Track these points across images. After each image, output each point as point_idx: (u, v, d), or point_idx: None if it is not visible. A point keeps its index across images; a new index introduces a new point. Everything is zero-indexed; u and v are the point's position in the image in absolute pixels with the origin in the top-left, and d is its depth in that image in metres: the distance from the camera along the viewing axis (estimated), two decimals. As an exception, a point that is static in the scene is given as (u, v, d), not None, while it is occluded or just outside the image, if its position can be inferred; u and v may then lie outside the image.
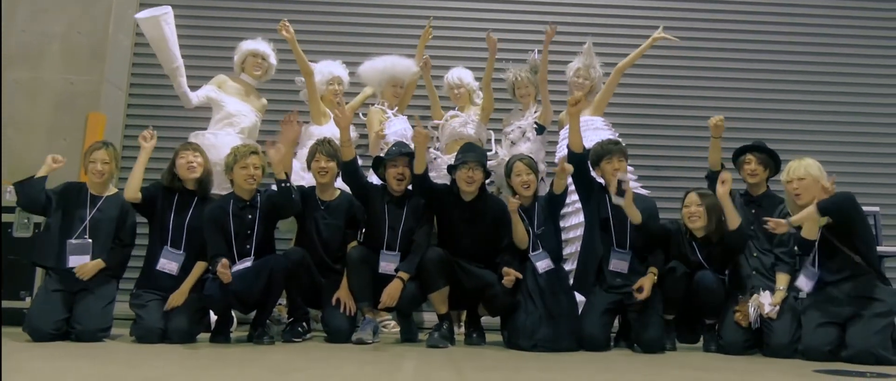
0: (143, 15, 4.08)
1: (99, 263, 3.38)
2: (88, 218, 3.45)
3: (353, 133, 4.36)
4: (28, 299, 3.92)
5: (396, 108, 4.47)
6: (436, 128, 4.47)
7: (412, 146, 3.66)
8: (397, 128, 4.34)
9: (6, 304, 3.93)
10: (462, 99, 4.49)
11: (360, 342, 3.41)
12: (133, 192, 3.44)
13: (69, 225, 3.43)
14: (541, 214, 3.59)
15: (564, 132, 4.29)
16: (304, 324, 3.60)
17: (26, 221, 4.02)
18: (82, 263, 3.35)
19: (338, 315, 3.52)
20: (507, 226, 3.52)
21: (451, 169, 3.64)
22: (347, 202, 3.77)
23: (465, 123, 4.36)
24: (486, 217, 3.60)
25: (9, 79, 4.75)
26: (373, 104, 4.52)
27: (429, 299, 3.55)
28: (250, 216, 3.48)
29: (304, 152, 4.15)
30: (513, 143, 4.34)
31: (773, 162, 3.74)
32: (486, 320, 3.74)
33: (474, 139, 4.32)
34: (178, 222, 3.51)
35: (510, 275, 3.38)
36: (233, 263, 3.33)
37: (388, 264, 3.56)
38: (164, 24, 4.03)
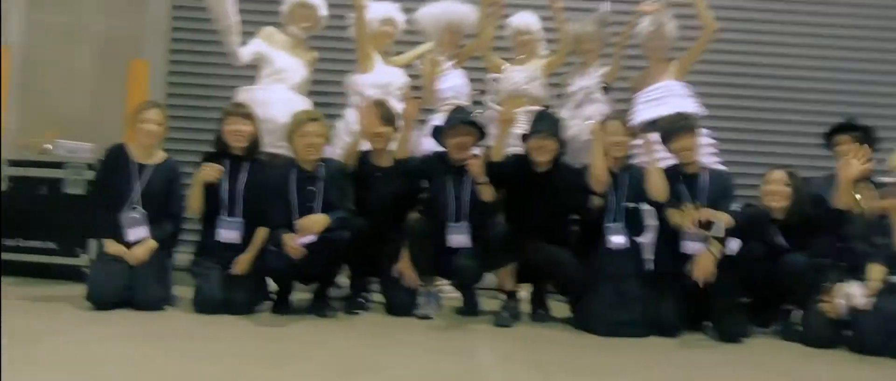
0: None
1: (150, 244, 3.26)
2: (140, 190, 3.29)
3: (402, 78, 4.13)
4: (83, 256, 3.89)
5: (455, 60, 4.21)
6: (495, 80, 4.22)
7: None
8: (455, 82, 4.11)
9: (62, 261, 3.91)
10: (527, 49, 4.20)
11: (425, 317, 3.33)
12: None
13: (118, 196, 3.27)
14: (629, 185, 3.38)
15: (639, 97, 4.03)
16: (365, 294, 3.53)
17: (78, 177, 3.93)
18: (139, 235, 3.25)
19: (400, 289, 3.43)
20: (582, 198, 3.35)
21: (524, 138, 3.45)
22: (405, 168, 3.60)
23: (531, 78, 4.09)
24: (560, 190, 3.42)
25: (45, 22, 4.56)
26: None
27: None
28: (313, 188, 3.33)
29: (351, 116, 3.95)
30: (578, 104, 4.09)
31: (870, 139, 3.48)
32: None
33: (539, 99, 4.08)
34: (233, 189, 3.38)
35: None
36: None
37: (456, 236, 3.43)
38: None
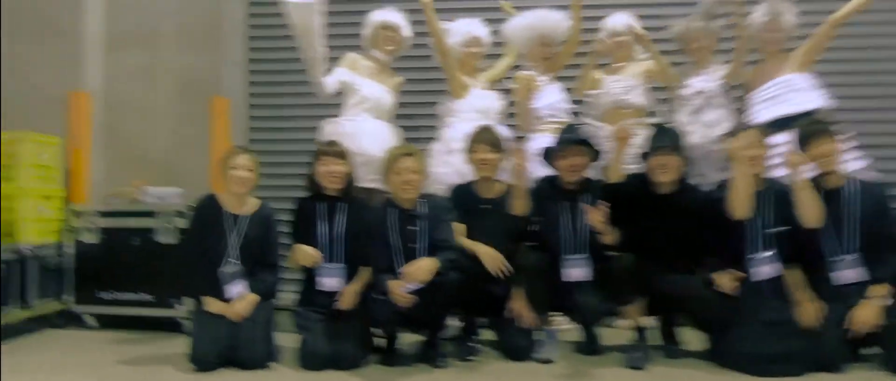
0: None
1: (251, 299, 3.07)
2: (236, 243, 3.10)
3: (498, 101, 3.84)
4: (179, 307, 3.76)
5: (548, 74, 3.89)
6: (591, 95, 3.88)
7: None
8: (551, 99, 3.79)
9: (158, 313, 3.79)
10: (623, 53, 3.84)
11: (547, 360, 3.03)
12: None
13: (213, 251, 3.09)
14: (772, 205, 2.98)
15: (755, 96, 3.61)
16: (475, 337, 3.26)
17: (169, 225, 3.80)
18: (238, 290, 3.07)
19: (515, 331, 3.14)
20: (713, 222, 2.98)
21: (644, 156, 3.11)
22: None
23: (628, 88, 3.74)
24: (687, 213, 3.06)
25: (123, 64, 4.48)
26: (520, 67, 3.96)
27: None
28: (414, 228, 3.08)
29: (449, 134, 3.70)
30: (696, 110, 3.69)
31: None
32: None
33: (642, 108, 3.73)
34: (331, 233, 3.16)
35: (729, 278, 2.86)
36: (395, 277, 2.98)
37: (574, 270, 3.12)
38: (315, 12, 3.51)
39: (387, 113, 3.82)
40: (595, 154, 3.18)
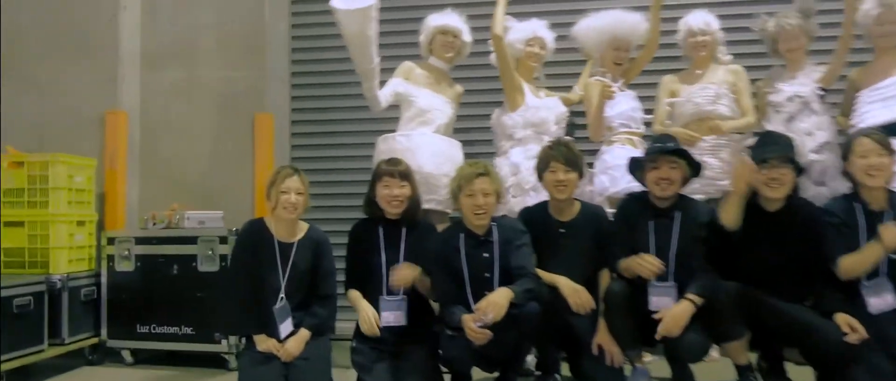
0: (344, 5, 3.16)
1: (303, 336, 2.74)
2: (286, 274, 2.80)
3: (559, 107, 3.50)
4: (224, 343, 3.45)
5: (621, 80, 3.54)
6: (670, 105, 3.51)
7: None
8: (625, 106, 3.43)
9: (201, 348, 3.49)
10: (704, 55, 3.46)
11: (639, 403, 2.66)
12: None
13: (262, 284, 2.78)
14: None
15: (866, 95, 3.21)
16: (556, 377, 2.89)
17: (211, 252, 3.50)
18: (289, 328, 2.75)
19: (601, 367, 2.76)
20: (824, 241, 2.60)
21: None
22: (594, 218, 2.94)
23: (714, 97, 3.35)
24: (797, 232, 2.67)
25: (159, 80, 4.24)
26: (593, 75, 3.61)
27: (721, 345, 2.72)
28: (487, 255, 2.73)
29: (509, 164, 3.35)
30: (790, 118, 3.29)
31: None
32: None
33: (727, 116, 3.35)
34: (391, 261, 2.83)
35: (855, 329, 2.47)
36: (467, 309, 2.63)
37: (661, 298, 2.72)
38: (371, 19, 3.19)
39: (446, 126, 3.49)
40: (693, 168, 2.80)
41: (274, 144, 4.16)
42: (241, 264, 2.82)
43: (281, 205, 2.80)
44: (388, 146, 3.37)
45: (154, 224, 3.67)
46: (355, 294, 2.82)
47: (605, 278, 2.91)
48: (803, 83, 3.30)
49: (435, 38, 3.53)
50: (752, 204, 2.71)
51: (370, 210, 2.90)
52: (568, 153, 2.86)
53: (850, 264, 2.56)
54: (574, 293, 2.71)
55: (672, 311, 2.57)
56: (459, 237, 2.76)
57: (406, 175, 2.86)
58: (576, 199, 2.95)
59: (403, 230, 2.86)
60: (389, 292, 2.81)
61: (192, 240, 3.52)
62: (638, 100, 3.51)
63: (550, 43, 3.57)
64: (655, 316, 2.59)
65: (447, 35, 3.50)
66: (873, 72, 3.24)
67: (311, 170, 4.13)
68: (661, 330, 2.56)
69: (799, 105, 3.28)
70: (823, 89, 3.29)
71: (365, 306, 2.74)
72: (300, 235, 2.87)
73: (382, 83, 3.41)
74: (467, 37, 3.55)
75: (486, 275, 2.72)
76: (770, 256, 2.65)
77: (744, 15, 3.76)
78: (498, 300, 2.50)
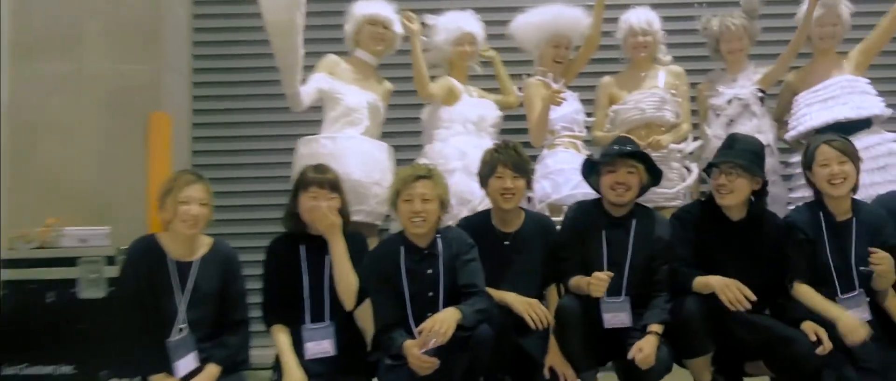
0: None
1: (211, 372, 2.33)
2: (185, 299, 2.37)
3: (494, 111, 3.26)
4: (113, 383, 2.92)
5: (562, 81, 3.30)
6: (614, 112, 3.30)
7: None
8: (566, 110, 3.18)
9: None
10: (644, 56, 3.27)
11: (595, 429, 2.40)
12: None
13: (156, 312, 2.35)
14: (862, 236, 2.48)
15: (804, 98, 3.14)
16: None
17: (95, 276, 2.97)
18: (192, 364, 2.31)
19: (557, 393, 2.49)
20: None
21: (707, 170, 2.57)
22: (541, 229, 2.67)
23: (659, 103, 3.18)
24: (762, 243, 2.53)
25: (37, 73, 3.63)
26: (530, 75, 3.36)
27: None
28: (431, 271, 2.40)
29: (439, 150, 3.07)
30: (730, 121, 3.19)
31: None
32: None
33: (672, 122, 3.20)
34: (316, 284, 2.46)
35: (821, 338, 2.33)
36: (409, 334, 2.30)
37: (615, 315, 2.50)
38: (300, 4, 2.81)
39: (376, 127, 3.14)
40: (653, 174, 2.60)
41: (172, 148, 3.64)
42: (132, 288, 2.36)
43: (179, 218, 2.37)
44: (310, 150, 2.99)
45: (25, 244, 3.08)
46: (281, 339, 2.42)
47: (553, 294, 2.68)
48: (743, 85, 3.22)
49: (362, 28, 3.17)
50: (716, 212, 2.53)
51: (292, 225, 2.51)
52: (516, 158, 2.58)
53: (804, 295, 2.45)
54: (528, 308, 2.42)
55: (643, 351, 2.33)
56: (400, 251, 2.41)
57: (336, 185, 2.50)
58: (520, 208, 2.68)
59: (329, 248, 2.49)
60: (314, 319, 2.43)
61: (71, 261, 2.96)
62: (579, 102, 3.29)
63: (480, 35, 3.28)
64: (631, 357, 2.34)
65: (376, 25, 3.16)
66: (812, 73, 3.20)
67: (216, 179, 3.68)
68: (639, 365, 2.33)
69: (739, 108, 3.20)
70: (763, 91, 3.20)
71: (292, 367, 2.35)
72: (202, 251, 2.46)
73: (306, 80, 3.03)
74: (398, 28, 3.21)
75: (430, 294, 2.40)
76: (732, 266, 2.47)
77: (684, 17, 3.64)
78: (444, 322, 2.18)
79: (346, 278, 2.43)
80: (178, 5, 3.84)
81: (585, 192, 2.95)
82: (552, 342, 2.53)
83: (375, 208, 2.99)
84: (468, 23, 3.25)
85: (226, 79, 3.90)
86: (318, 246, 2.48)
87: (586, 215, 2.63)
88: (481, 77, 3.44)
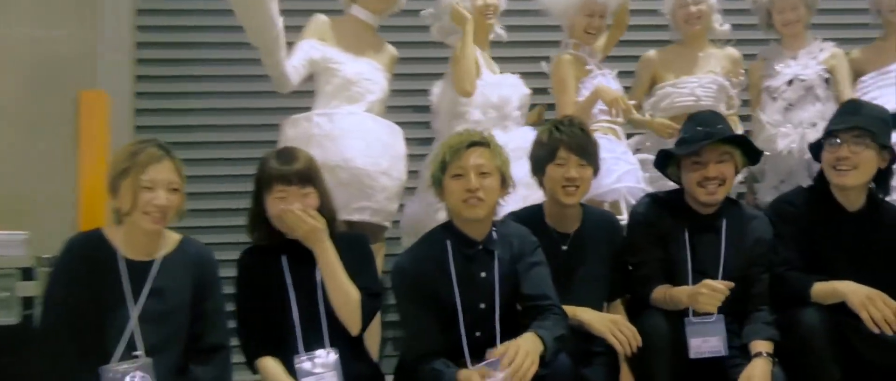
0: None
1: None
2: (135, 312, 1.73)
3: (521, 89, 2.72)
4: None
5: (597, 56, 2.81)
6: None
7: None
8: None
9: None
10: (699, 29, 2.79)
11: None
12: None
13: (98, 333, 1.72)
14: None
15: (874, 80, 2.74)
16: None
17: (7, 295, 2.22)
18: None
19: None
20: None
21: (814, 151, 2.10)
22: (606, 229, 2.13)
23: (718, 92, 2.73)
24: (885, 239, 2.05)
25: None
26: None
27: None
28: (485, 274, 1.81)
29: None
30: (789, 106, 2.74)
31: None
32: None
33: (719, 108, 2.74)
34: (308, 303, 1.85)
35: None
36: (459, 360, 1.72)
37: (704, 340, 1.97)
38: None
39: (380, 103, 2.53)
40: (753, 155, 2.10)
41: (109, 135, 2.92)
42: (65, 303, 1.71)
43: (140, 208, 1.73)
44: (300, 132, 2.37)
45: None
46: (272, 368, 1.81)
47: (620, 310, 2.14)
48: (806, 64, 2.78)
49: (359, -21, 2.56)
50: (828, 201, 2.05)
51: (261, 235, 1.88)
52: (583, 139, 2.03)
53: None
54: (613, 327, 1.85)
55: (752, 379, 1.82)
56: (446, 247, 1.81)
57: (308, 176, 1.86)
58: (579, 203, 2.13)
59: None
60: (309, 348, 1.82)
61: (-26, 277, 2.23)
62: (617, 81, 2.78)
63: None
64: None
65: (375, -25, 2.55)
66: (885, 52, 2.79)
67: None
68: None
69: (801, 90, 2.75)
70: (829, 73, 2.78)
71: None
72: (166, 250, 1.82)
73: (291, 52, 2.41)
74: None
75: (482, 307, 1.81)
76: (845, 269, 1.99)
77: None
78: (529, 355, 1.59)
79: (344, 295, 1.82)
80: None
81: (629, 185, 2.48)
82: (625, 371, 1.99)
83: (384, 205, 2.38)
84: None
85: (176, 55, 3.18)
86: (306, 254, 1.86)
87: (662, 211, 2.10)
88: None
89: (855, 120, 2.02)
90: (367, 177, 2.31)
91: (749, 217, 2.10)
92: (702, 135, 2.02)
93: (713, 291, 1.83)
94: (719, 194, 2.02)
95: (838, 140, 2.01)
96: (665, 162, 2.14)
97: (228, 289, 1.93)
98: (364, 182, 2.30)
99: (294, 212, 1.79)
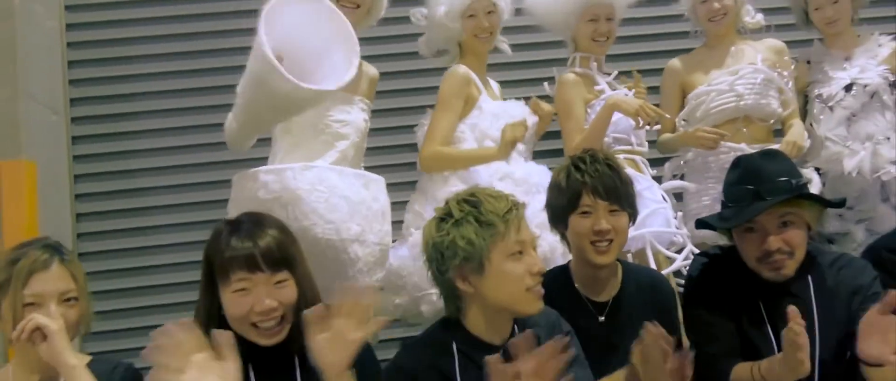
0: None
1: None
2: None
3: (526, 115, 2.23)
4: None
5: (610, 73, 2.36)
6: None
7: None
8: (617, 116, 2.18)
9: None
10: (725, 23, 2.34)
11: None
12: None
13: None
14: None
15: None
16: None
17: None
18: None
19: None
20: None
21: None
22: (649, 288, 1.65)
23: (764, 85, 2.26)
24: None
25: None
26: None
27: None
28: None
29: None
30: (852, 114, 2.27)
31: None
32: None
33: (779, 113, 2.29)
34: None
35: None
36: None
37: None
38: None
39: (354, 146, 2.04)
40: (825, 203, 1.63)
41: (38, 213, 2.44)
42: None
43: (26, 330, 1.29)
44: (245, 194, 1.86)
45: None
46: None
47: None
48: (865, 66, 2.32)
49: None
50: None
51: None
52: (611, 179, 1.55)
53: None
54: None
55: None
56: (452, 351, 1.34)
57: (281, 258, 1.33)
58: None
59: (297, 366, 1.35)
60: None
61: None
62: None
63: (503, 3, 2.25)
64: None
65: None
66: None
67: (109, 252, 2.59)
68: None
69: (864, 97, 2.29)
70: (894, 74, 2.32)
71: None
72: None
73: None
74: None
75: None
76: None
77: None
78: None
79: None
80: (46, 17, 2.67)
81: (656, 230, 2.02)
82: None
83: (361, 282, 1.87)
84: None
85: (109, 111, 2.70)
86: (278, 360, 1.35)
87: (725, 276, 1.60)
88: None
89: None
90: (332, 249, 1.80)
91: (837, 265, 1.60)
92: (751, 195, 1.52)
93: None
94: (789, 267, 1.51)
95: None
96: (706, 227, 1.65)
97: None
98: (328, 256, 1.80)
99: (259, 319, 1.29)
